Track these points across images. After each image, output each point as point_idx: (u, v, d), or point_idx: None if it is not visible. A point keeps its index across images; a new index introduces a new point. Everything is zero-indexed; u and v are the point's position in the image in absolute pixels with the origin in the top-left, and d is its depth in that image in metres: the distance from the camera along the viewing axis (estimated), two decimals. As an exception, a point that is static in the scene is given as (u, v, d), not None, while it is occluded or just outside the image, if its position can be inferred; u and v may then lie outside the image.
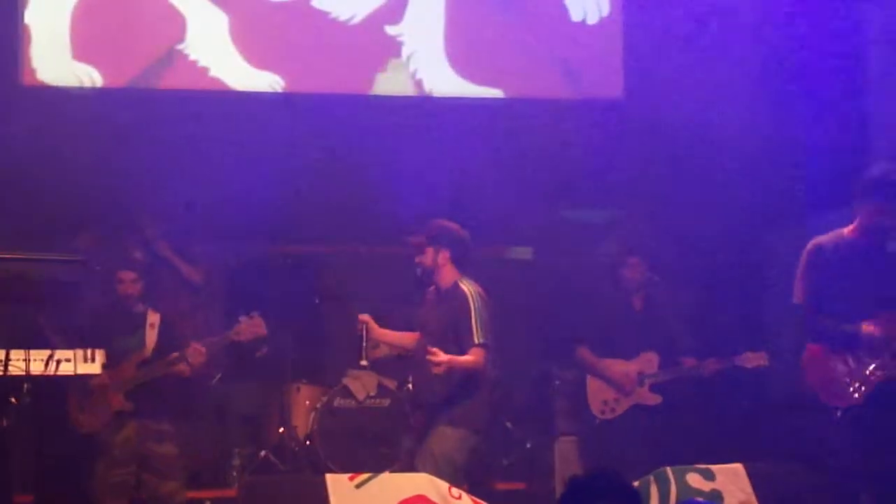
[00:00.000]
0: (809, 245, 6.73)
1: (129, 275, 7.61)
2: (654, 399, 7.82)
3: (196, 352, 7.45)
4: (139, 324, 7.60)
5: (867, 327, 6.43)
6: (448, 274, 7.24)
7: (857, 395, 6.43)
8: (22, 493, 7.68)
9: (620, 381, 7.84)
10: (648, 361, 7.85)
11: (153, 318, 7.62)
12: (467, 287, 7.17)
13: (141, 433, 7.48)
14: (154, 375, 7.45)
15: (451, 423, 7.04)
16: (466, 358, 7.02)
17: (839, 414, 6.49)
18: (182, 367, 7.47)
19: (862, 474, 6.49)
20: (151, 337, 7.57)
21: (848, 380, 6.46)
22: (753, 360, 7.69)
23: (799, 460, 6.94)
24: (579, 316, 8.19)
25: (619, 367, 7.86)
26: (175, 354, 7.46)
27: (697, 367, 7.81)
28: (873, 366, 6.47)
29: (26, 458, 7.73)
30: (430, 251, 7.23)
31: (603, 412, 7.86)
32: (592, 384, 7.91)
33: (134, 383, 7.44)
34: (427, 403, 7.28)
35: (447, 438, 7.04)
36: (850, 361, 6.47)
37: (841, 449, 6.57)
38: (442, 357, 6.94)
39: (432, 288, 7.34)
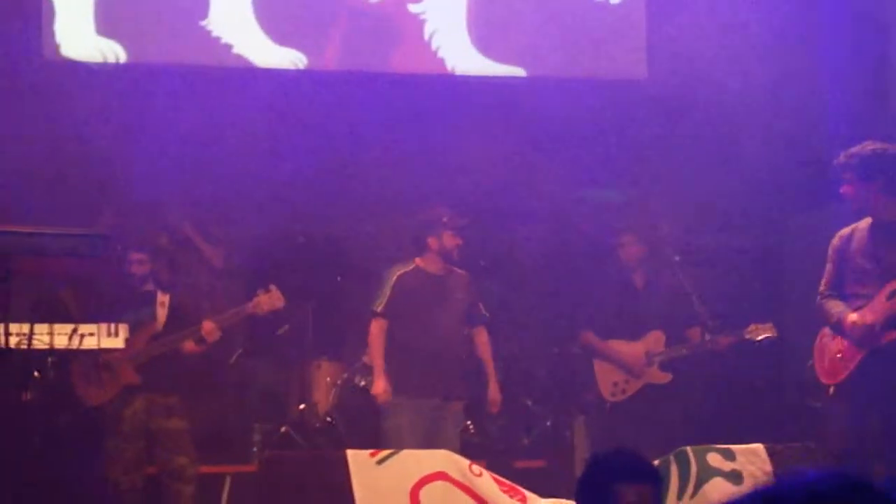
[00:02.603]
0: (835, 238, 6.77)
1: (138, 255, 7.55)
2: (665, 377, 7.77)
3: (211, 329, 7.42)
4: (148, 301, 7.55)
5: (852, 318, 6.47)
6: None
7: (846, 370, 6.50)
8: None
9: (629, 363, 7.79)
10: (656, 340, 7.82)
11: (163, 298, 7.58)
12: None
13: (149, 408, 7.42)
14: (166, 348, 7.40)
15: (460, 399, 7.61)
16: (488, 354, 7.74)
17: (831, 391, 6.58)
18: (193, 345, 7.45)
19: (864, 448, 6.51)
20: (162, 315, 7.54)
21: (840, 356, 6.53)
22: (761, 331, 7.62)
23: (813, 439, 6.96)
24: (579, 298, 8.17)
25: (625, 348, 7.81)
26: (189, 329, 7.44)
27: (707, 342, 7.77)
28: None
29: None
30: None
31: (614, 394, 7.81)
32: (599, 367, 7.86)
33: (146, 356, 7.38)
34: (451, 386, 7.56)
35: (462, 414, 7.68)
36: (844, 341, 6.55)
37: (838, 425, 6.64)
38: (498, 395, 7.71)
39: (412, 269, 7.55)
